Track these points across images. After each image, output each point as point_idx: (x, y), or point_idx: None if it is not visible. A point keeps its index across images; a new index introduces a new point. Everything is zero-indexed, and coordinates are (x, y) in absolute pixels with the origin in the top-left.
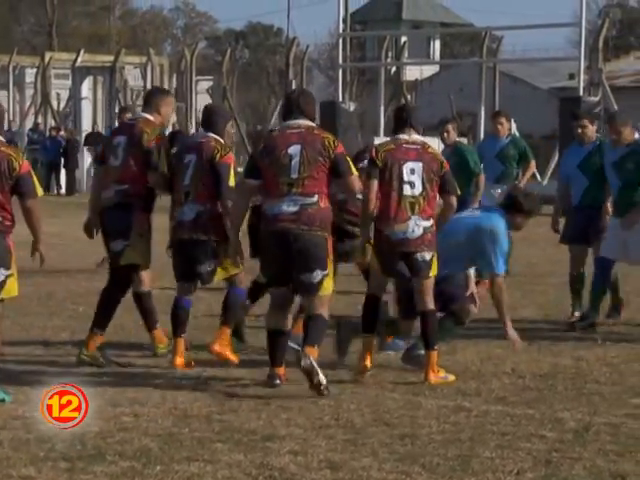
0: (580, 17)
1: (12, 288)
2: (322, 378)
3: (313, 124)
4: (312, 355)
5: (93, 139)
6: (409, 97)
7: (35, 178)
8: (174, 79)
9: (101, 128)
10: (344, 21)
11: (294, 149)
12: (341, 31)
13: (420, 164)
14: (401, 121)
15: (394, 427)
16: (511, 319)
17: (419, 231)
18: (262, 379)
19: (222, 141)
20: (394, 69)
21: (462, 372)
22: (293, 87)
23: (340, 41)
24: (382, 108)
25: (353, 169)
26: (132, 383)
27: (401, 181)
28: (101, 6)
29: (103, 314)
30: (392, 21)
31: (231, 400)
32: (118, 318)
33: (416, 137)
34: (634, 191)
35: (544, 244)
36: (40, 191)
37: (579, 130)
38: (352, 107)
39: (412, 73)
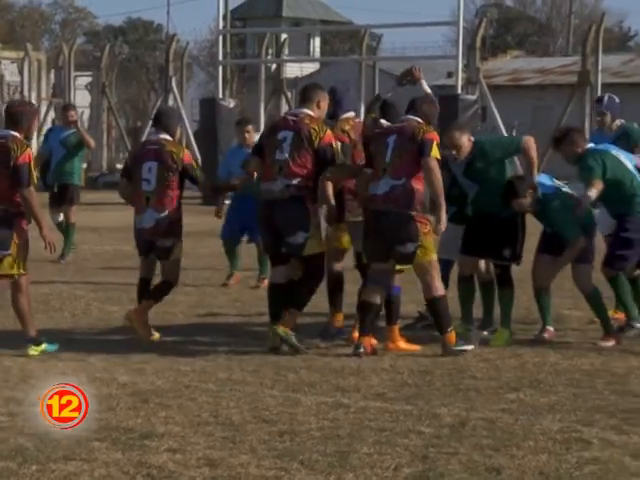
0: (458, 16)
1: (10, 267)
2: (469, 347)
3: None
4: (451, 342)
5: None
6: (289, 94)
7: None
8: (52, 75)
9: None
10: (224, 18)
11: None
12: (221, 28)
13: (155, 163)
14: (155, 122)
15: (273, 424)
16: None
17: (152, 222)
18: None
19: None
20: (274, 66)
21: (341, 369)
22: (173, 83)
23: (220, 38)
24: (262, 105)
25: (434, 153)
26: (7, 382)
27: (141, 179)
28: None
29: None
30: (272, 18)
31: (109, 398)
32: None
33: (161, 137)
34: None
35: None
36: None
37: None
38: (232, 104)
39: (292, 70)
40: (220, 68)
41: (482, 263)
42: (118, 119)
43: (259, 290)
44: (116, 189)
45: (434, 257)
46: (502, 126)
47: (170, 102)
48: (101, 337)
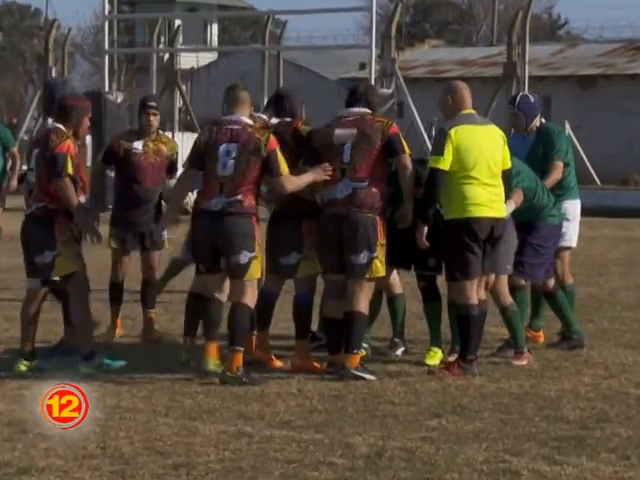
0: (371, 1)
1: (63, 267)
2: (370, 377)
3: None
4: (352, 364)
5: None
6: (184, 87)
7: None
8: None
9: None
10: (110, 2)
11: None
12: (107, 13)
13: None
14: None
15: (167, 456)
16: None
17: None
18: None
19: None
20: (167, 56)
21: (243, 394)
22: (53, 74)
23: (106, 24)
24: None
25: (406, 148)
26: None
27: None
28: None
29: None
30: (165, 2)
31: None
32: None
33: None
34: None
35: None
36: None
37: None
38: (120, 98)
39: (187, 60)
40: (106, 58)
41: (395, 276)
42: None
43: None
44: None
45: (382, 274)
46: (420, 123)
47: None
48: None
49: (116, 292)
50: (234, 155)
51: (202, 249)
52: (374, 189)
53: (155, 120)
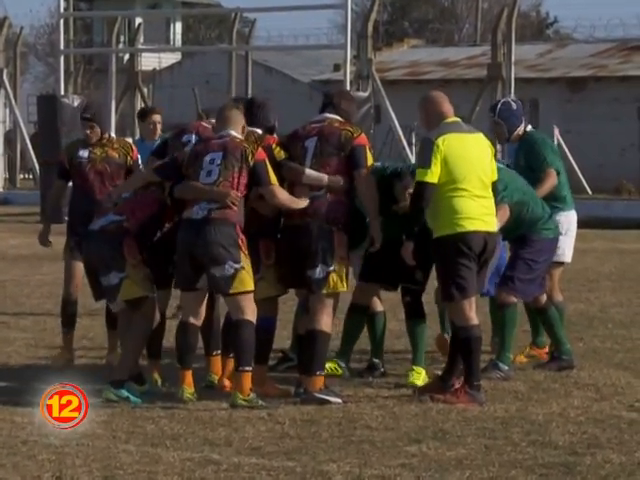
0: None
1: (130, 290)
2: (335, 400)
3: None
4: (314, 387)
5: None
6: (145, 90)
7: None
8: None
9: None
10: None
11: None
12: (62, 10)
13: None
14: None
15: None
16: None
17: None
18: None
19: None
20: (127, 56)
21: (209, 418)
22: (4, 77)
23: (61, 22)
24: (113, 103)
25: (369, 161)
26: None
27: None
28: None
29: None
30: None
31: None
32: None
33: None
34: None
35: None
36: None
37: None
38: (76, 102)
39: (149, 62)
40: (62, 59)
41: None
42: None
43: None
44: None
45: (343, 290)
46: (399, 128)
47: (0, 99)
48: None
49: (69, 312)
50: (218, 162)
51: (181, 263)
52: (331, 199)
53: (93, 132)
